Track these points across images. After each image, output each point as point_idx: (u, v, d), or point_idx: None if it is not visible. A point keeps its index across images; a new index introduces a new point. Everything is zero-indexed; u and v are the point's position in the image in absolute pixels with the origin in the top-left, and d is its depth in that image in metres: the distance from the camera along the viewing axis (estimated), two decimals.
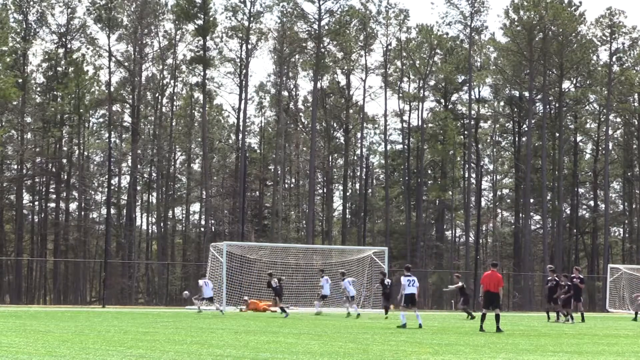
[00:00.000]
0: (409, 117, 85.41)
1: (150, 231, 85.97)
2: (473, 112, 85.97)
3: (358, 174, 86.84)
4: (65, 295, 73.57)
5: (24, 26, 74.69)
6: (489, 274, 26.61)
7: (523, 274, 77.86)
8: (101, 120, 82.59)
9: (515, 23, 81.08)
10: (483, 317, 26.55)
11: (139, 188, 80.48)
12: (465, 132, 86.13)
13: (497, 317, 26.24)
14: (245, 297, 45.13)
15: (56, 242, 75.80)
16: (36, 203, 78.96)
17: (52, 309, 44.74)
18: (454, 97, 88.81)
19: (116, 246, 77.45)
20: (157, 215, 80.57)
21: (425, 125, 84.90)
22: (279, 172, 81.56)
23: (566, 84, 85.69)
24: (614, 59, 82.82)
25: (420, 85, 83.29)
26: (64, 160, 77.14)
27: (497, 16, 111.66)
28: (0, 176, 73.78)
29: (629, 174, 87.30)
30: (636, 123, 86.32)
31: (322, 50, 79.62)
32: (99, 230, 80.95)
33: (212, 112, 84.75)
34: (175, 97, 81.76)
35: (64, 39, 76.30)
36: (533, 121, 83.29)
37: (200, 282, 41.08)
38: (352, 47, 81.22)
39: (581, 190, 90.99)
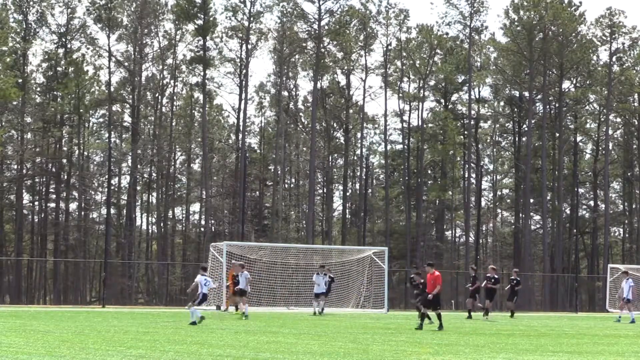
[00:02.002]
0: (409, 117, 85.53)
1: (150, 231, 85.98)
2: (473, 112, 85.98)
3: (358, 174, 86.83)
4: (65, 295, 73.56)
5: (24, 26, 74.68)
6: (434, 275, 26.94)
7: (523, 274, 77.73)
8: (101, 120, 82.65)
9: (515, 23, 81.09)
10: (423, 317, 27.17)
11: (139, 188, 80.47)
12: (465, 132, 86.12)
13: (424, 317, 27.08)
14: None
15: (56, 242, 75.79)
16: (36, 203, 78.97)
17: (52, 309, 44.74)
18: (454, 97, 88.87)
19: (116, 246, 77.45)
20: (157, 215, 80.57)
21: (425, 125, 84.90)
22: (279, 172, 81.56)
23: (566, 84, 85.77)
24: (614, 59, 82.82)
25: (420, 85, 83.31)
26: (64, 160, 77.14)
27: (497, 16, 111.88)
28: (0, 176, 73.77)
29: (629, 174, 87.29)
30: (636, 123, 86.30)
31: (322, 50, 79.62)
32: (99, 230, 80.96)
33: (212, 112, 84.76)
34: (175, 97, 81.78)
35: (64, 39, 76.29)
36: (533, 121, 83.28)
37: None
38: (352, 47, 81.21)
39: (581, 190, 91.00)
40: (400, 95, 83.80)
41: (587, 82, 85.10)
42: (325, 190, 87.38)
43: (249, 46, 77.81)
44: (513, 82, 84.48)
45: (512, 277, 41.37)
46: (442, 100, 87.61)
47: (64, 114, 76.64)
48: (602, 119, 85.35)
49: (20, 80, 72.29)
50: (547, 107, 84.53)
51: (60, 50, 76.62)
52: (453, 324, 32.21)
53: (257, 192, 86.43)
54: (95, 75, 78.02)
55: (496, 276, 36.88)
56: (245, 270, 35.33)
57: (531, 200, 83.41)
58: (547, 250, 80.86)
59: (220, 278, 44.03)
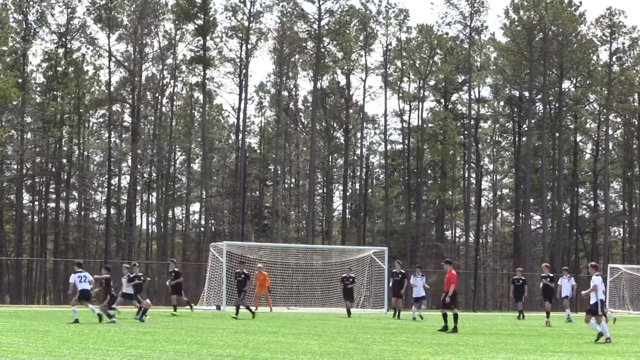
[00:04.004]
0: (409, 117, 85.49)
1: (150, 231, 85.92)
2: (473, 112, 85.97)
3: (358, 174, 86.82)
4: (65, 295, 73.45)
5: (24, 26, 74.66)
6: (453, 273, 26.11)
7: (523, 274, 77.84)
8: (101, 120, 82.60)
9: (515, 23, 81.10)
10: (446, 317, 26.30)
11: (139, 188, 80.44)
12: (465, 132, 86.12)
13: (456, 317, 26.05)
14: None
15: (56, 242, 75.75)
16: (36, 203, 78.93)
17: (52, 309, 44.70)
18: (454, 97, 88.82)
19: (116, 246, 77.42)
20: (157, 215, 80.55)
21: (425, 125, 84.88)
22: (279, 172, 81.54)
23: (566, 84, 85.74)
24: (614, 59, 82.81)
25: (420, 85, 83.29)
26: (64, 160, 77.12)
27: (497, 16, 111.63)
28: (0, 176, 73.77)
29: (629, 174, 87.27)
30: (636, 123, 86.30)
31: (322, 50, 79.60)
32: (99, 230, 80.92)
33: (212, 112, 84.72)
34: (175, 97, 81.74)
35: (64, 39, 76.29)
36: (533, 121, 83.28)
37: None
38: (352, 47, 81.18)
39: (581, 190, 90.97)
40: (400, 95, 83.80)
41: (587, 82, 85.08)
42: (325, 190, 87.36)
43: (249, 46, 77.83)
44: (513, 82, 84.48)
45: (517, 277, 40.85)
46: (442, 100, 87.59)
47: (64, 114, 76.60)
48: (602, 119, 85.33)
49: (20, 80, 72.26)
50: (547, 107, 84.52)
51: (60, 50, 76.59)
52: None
53: (257, 192, 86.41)
54: (95, 75, 77.96)
55: (551, 274, 35.13)
56: (130, 274, 33.13)
57: (531, 200, 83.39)
58: (547, 250, 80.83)
59: (219, 278, 44.10)
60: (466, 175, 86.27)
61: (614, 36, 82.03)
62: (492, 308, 76.91)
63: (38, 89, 77.93)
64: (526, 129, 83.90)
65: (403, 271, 37.79)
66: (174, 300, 36.47)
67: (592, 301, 22.35)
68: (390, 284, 38.10)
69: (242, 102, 79.12)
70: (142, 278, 30.87)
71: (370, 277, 48.66)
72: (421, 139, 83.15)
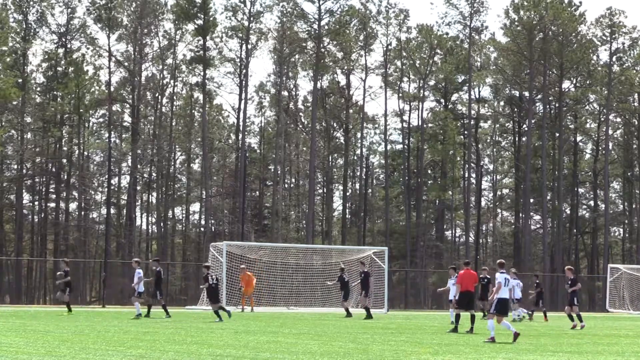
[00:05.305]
0: (409, 117, 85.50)
1: (150, 231, 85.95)
2: (473, 112, 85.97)
3: (358, 174, 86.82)
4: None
5: (24, 26, 74.70)
6: (466, 273, 25.93)
7: (523, 274, 77.75)
8: (101, 120, 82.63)
9: (516, 23, 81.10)
10: (458, 317, 26.21)
11: (139, 188, 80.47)
12: (465, 132, 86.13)
13: (473, 318, 26.03)
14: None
15: (56, 242, 75.76)
16: (36, 203, 78.97)
17: (52, 309, 44.71)
18: (454, 97, 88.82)
19: (116, 246, 77.44)
20: (157, 215, 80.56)
21: (425, 125, 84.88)
22: (279, 172, 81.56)
23: (566, 84, 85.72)
24: (614, 59, 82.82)
25: (420, 85, 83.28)
26: (64, 160, 77.15)
27: (497, 16, 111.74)
28: (0, 176, 73.78)
29: (629, 174, 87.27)
30: (636, 123, 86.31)
31: (322, 50, 79.60)
32: (99, 230, 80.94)
33: (212, 112, 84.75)
34: (175, 97, 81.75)
35: (64, 39, 76.32)
36: (533, 121, 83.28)
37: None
38: (352, 47, 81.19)
39: (581, 190, 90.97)
40: (400, 95, 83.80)
41: (587, 82, 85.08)
42: (325, 190, 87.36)
43: (249, 46, 77.82)
44: (513, 82, 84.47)
45: (482, 276, 40.68)
46: (442, 100, 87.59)
47: (64, 114, 76.63)
48: (602, 119, 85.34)
49: (20, 80, 72.30)
50: (547, 107, 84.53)
51: (60, 50, 76.62)
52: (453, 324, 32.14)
53: (257, 192, 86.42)
54: (95, 75, 78.00)
55: (572, 277, 34.37)
56: (139, 268, 33.86)
57: (531, 200, 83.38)
58: (547, 250, 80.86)
59: (219, 278, 44.03)
60: (466, 175, 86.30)
61: (614, 36, 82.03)
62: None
63: (38, 89, 77.97)
64: (526, 129, 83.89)
65: (366, 270, 38.36)
66: (59, 297, 36.57)
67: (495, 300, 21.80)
68: (358, 283, 38.45)
69: (242, 102, 79.22)
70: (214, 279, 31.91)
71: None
72: (421, 139, 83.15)
